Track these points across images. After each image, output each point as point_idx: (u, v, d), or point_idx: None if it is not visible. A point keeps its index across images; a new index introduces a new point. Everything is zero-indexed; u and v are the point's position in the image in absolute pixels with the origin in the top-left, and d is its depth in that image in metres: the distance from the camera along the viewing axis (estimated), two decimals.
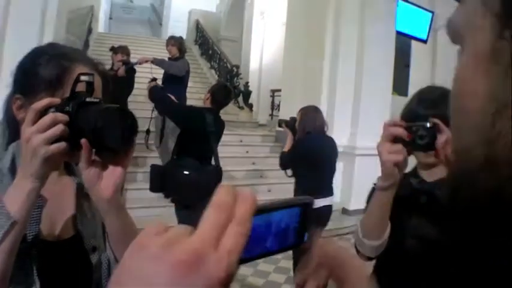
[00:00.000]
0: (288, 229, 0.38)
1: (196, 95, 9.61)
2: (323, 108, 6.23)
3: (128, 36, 12.59)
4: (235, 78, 10.10)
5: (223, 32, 13.22)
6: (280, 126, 3.89)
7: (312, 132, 3.29)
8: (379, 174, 1.48)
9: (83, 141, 0.74)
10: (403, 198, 1.18)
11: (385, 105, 6.22)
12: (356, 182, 5.87)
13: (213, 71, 11.28)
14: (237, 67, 10.26)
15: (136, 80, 5.28)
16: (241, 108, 9.88)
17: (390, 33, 6.26)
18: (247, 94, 10.09)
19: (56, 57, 0.89)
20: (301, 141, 3.31)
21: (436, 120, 1.10)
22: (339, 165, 6.05)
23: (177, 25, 15.45)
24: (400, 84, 7.20)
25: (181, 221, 3.24)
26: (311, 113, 3.39)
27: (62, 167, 0.96)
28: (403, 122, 1.14)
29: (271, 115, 10.00)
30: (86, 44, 9.60)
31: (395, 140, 1.10)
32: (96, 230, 0.97)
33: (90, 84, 0.82)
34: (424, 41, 7.04)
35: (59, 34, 5.13)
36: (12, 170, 0.86)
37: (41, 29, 4.52)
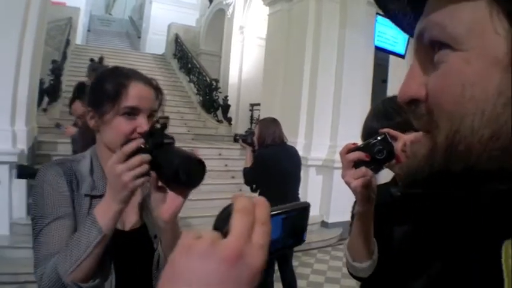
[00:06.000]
0: (291, 230, 0.44)
1: (175, 108, 9.57)
2: (302, 122, 6.30)
3: (106, 49, 12.51)
4: (214, 92, 10.12)
5: (202, 46, 13.27)
6: (236, 141, 3.74)
7: (272, 144, 3.28)
8: None
9: (153, 174, 0.95)
10: (385, 208, 1.15)
11: (364, 120, 6.31)
12: (335, 195, 5.91)
13: (192, 85, 11.29)
14: (216, 81, 10.28)
15: None
16: (220, 122, 9.89)
17: (369, 48, 6.37)
18: (226, 108, 10.10)
19: (115, 75, 1.12)
20: (261, 154, 3.29)
21: (385, 130, 1.11)
22: (318, 179, 6.11)
23: (156, 38, 15.43)
24: (377, 99, 7.28)
25: None
26: (269, 125, 3.37)
27: None
28: (354, 144, 1.12)
29: (250, 129, 10.02)
30: (64, 56, 9.48)
31: (357, 164, 1.08)
32: (155, 222, 1.15)
33: (164, 124, 1.07)
34: (402, 56, 7.17)
35: (39, 45, 5.06)
36: (91, 172, 1.11)
37: (21, 40, 4.46)
